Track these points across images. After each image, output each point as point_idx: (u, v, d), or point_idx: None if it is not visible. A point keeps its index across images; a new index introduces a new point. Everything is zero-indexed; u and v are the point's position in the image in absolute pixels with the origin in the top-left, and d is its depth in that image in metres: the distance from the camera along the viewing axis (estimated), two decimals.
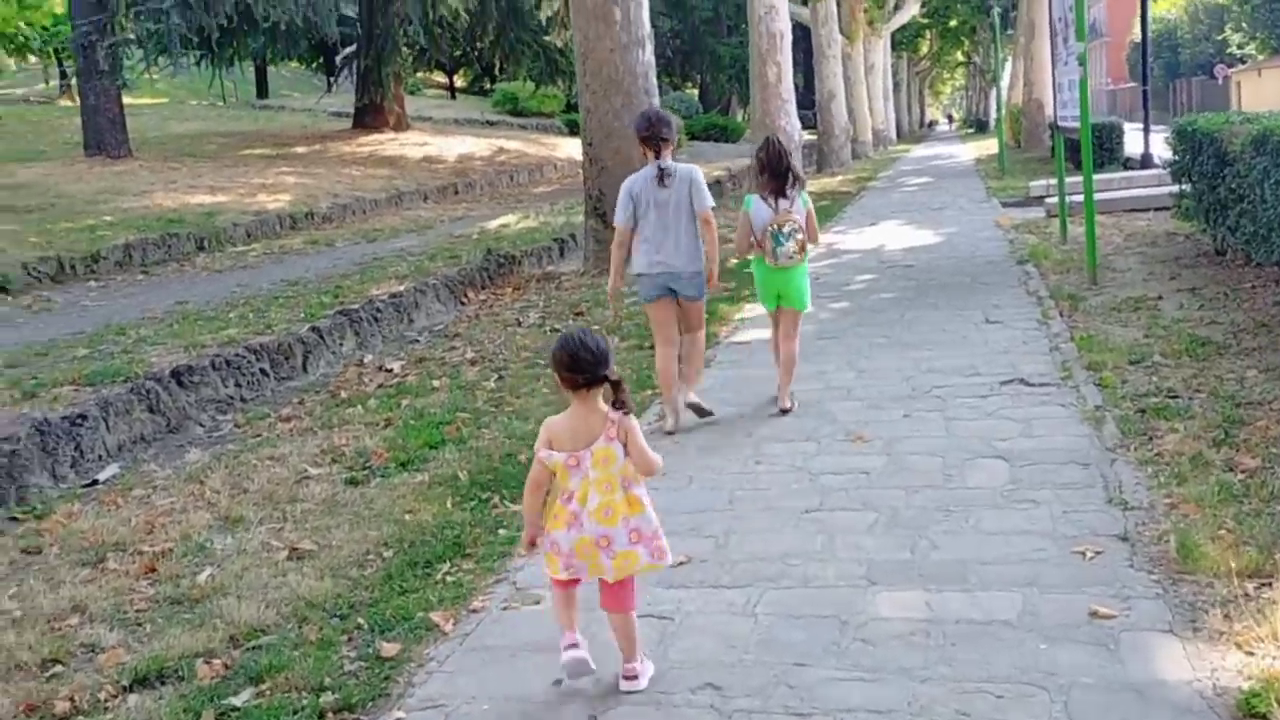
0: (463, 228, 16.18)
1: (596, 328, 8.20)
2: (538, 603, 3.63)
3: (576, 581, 3.09)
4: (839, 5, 30.51)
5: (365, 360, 7.94)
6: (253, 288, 10.84)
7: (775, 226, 5.66)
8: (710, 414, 5.82)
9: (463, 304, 10.14)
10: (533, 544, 3.18)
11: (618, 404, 3.03)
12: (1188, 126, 9.47)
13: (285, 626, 3.66)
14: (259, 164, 20.76)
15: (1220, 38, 45.36)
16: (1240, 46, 43.42)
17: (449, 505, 4.74)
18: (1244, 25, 43.20)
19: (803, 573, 3.70)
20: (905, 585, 3.52)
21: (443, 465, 5.28)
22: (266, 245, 14.40)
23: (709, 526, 4.22)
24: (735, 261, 8.73)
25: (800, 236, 5.69)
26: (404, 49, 26.29)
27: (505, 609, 3.67)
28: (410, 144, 26.07)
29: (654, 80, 11.14)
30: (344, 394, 7.01)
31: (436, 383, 7.10)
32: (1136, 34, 53.99)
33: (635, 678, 3.05)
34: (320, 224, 16.61)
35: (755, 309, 8.89)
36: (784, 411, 5.80)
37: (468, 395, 6.71)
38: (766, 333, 6.68)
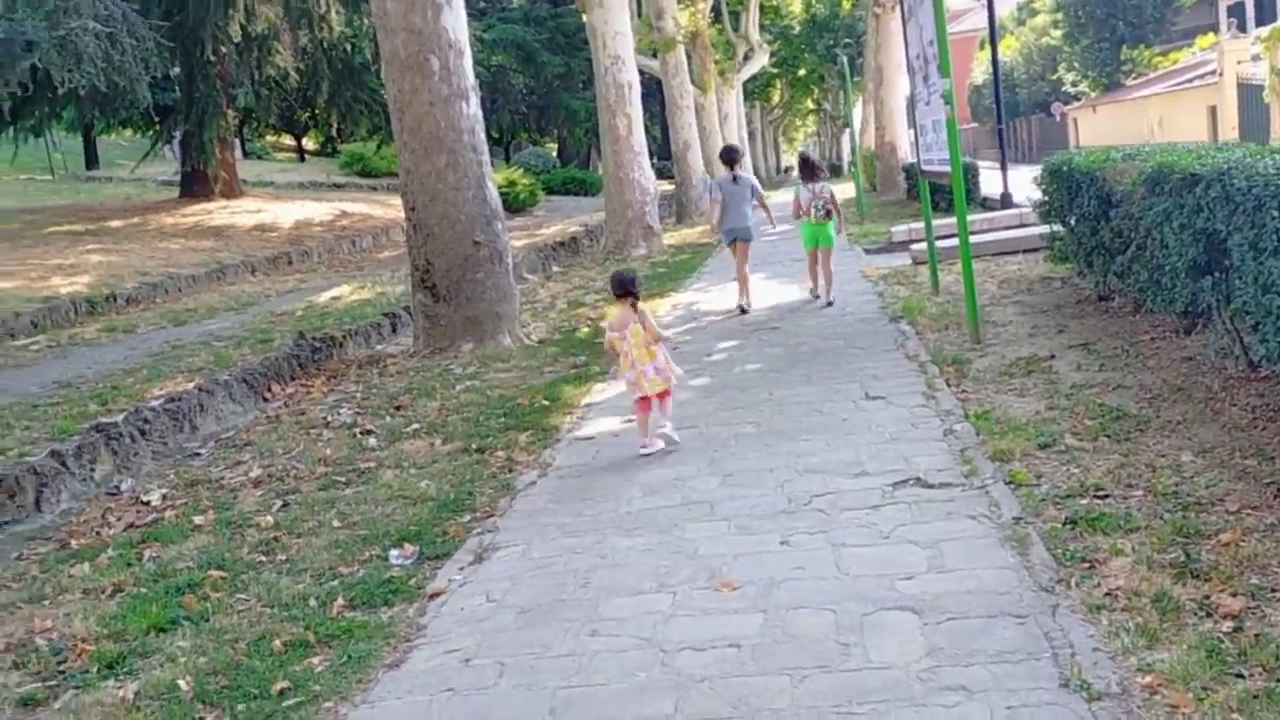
0: (289, 303, 14.60)
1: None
2: None
3: (649, 402, 5.91)
4: (689, 57, 30.04)
5: (121, 489, 6.37)
6: (12, 392, 9.06)
7: (811, 200, 10.45)
8: (746, 310, 10.75)
9: (265, 400, 8.62)
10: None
11: (635, 305, 5.91)
12: (1062, 165, 8.73)
13: None
14: (64, 242, 18.63)
15: (1054, 77, 46.87)
16: (1074, 85, 44.87)
17: None
18: (1075, 65, 44.67)
19: None
20: None
21: (164, 664, 3.85)
22: (53, 336, 12.48)
23: None
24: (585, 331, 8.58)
25: (825, 206, 10.45)
26: (228, 111, 24.40)
27: None
28: (242, 212, 24.15)
29: (482, 136, 9.87)
30: (76, 543, 5.45)
31: (200, 518, 5.61)
32: (975, 77, 55.93)
33: (665, 428, 5.96)
34: (124, 307, 14.70)
35: (603, 392, 7.73)
36: (829, 304, 10.46)
37: (234, 538, 5.25)
38: (613, 423, 6.81)
